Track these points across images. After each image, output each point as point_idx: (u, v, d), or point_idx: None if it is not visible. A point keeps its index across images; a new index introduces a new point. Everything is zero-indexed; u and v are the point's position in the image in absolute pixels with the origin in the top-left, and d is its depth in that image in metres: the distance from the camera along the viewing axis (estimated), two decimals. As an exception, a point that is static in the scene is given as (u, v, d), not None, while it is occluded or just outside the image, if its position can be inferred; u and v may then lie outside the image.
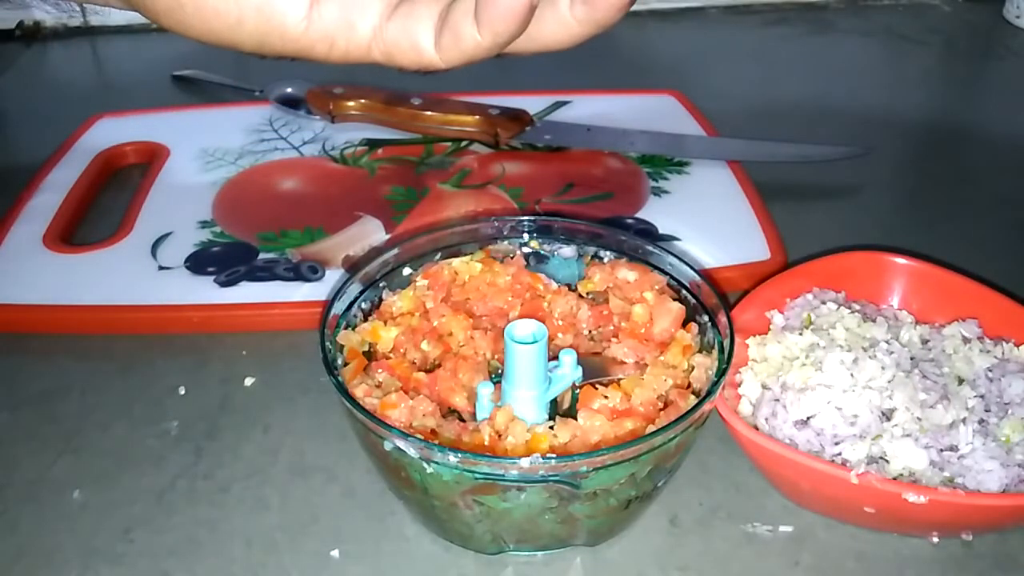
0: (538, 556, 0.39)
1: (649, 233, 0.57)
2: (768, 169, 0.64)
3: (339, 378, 0.37)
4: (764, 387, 0.42)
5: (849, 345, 0.43)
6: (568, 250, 0.46)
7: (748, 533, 0.40)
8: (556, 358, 0.40)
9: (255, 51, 0.29)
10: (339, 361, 0.40)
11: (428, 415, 0.38)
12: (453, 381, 0.40)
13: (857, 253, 0.49)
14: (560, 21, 0.28)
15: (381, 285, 0.44)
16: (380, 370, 0.40)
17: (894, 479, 0.37)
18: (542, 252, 0.46)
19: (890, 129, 0.73)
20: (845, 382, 0.40)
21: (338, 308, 0.41)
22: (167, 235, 0.57)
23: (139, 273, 0.54)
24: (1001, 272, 0.50)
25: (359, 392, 0.38)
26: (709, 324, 0.41)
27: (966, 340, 0.44)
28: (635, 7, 0.99)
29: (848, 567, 0.38)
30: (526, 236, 0.46)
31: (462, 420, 0.39)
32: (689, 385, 0.40)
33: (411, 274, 0.45)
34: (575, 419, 0.37)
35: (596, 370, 0.42)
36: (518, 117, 0.67)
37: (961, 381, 0.42)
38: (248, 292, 0.52)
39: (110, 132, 0.69)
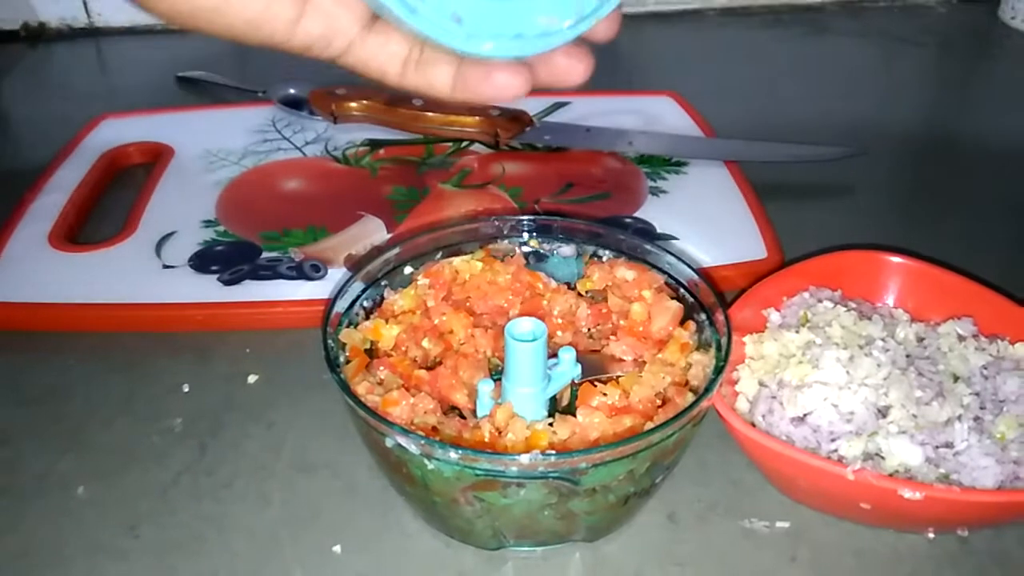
0: (538, 551, 0.39)
1: (647, 232, 0.57)
2: (765, 169, 0.64)
3: (341, 376, 0.37)
4: (761, 384, 0.43)
5: (845, 343, 0.43)
6: (567, 249, 0.47)
7: (745, 529, 0.40)
8: (555, 356, 0.41)
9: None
10: (341, 359, 0.40)
11: (429, 412, 0.38)
12: (454, 378, 0.40)
13: (853, 252, 0.49)
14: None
15: (383, 284, 0.44)
16: (382, 368, 0.40)
17: (890, 475, 0.38)
18: (542, 251, 0.47)
19: (885, 129, 0.73)
20: (841, 379, 0.41)
21: (340, 306, 0.41)
22: (171, 234, 0.57)
23: (143, 272, 0.54)
24: (996, 270, 0.50)
25: (361, 389, 0.38)
26: (707, 322, 0.41)
27: (961, 338, 0.44)
28: (633, 9, 0.98)
29: (845, 563, 0.39)
30: (526, 235, 0.47)
31: (463, 417, 0.39)
32: (687, 382, 0.40)
33: (412, 273, 0.45)
34: (574, 416, 0.38)
35: (595, 368, 0.42)
36: (518, 118, 0.67)
37: (956, 378, 0.42)
38: (251, 291, 0.52)
39: (115, 132, 0.70)
